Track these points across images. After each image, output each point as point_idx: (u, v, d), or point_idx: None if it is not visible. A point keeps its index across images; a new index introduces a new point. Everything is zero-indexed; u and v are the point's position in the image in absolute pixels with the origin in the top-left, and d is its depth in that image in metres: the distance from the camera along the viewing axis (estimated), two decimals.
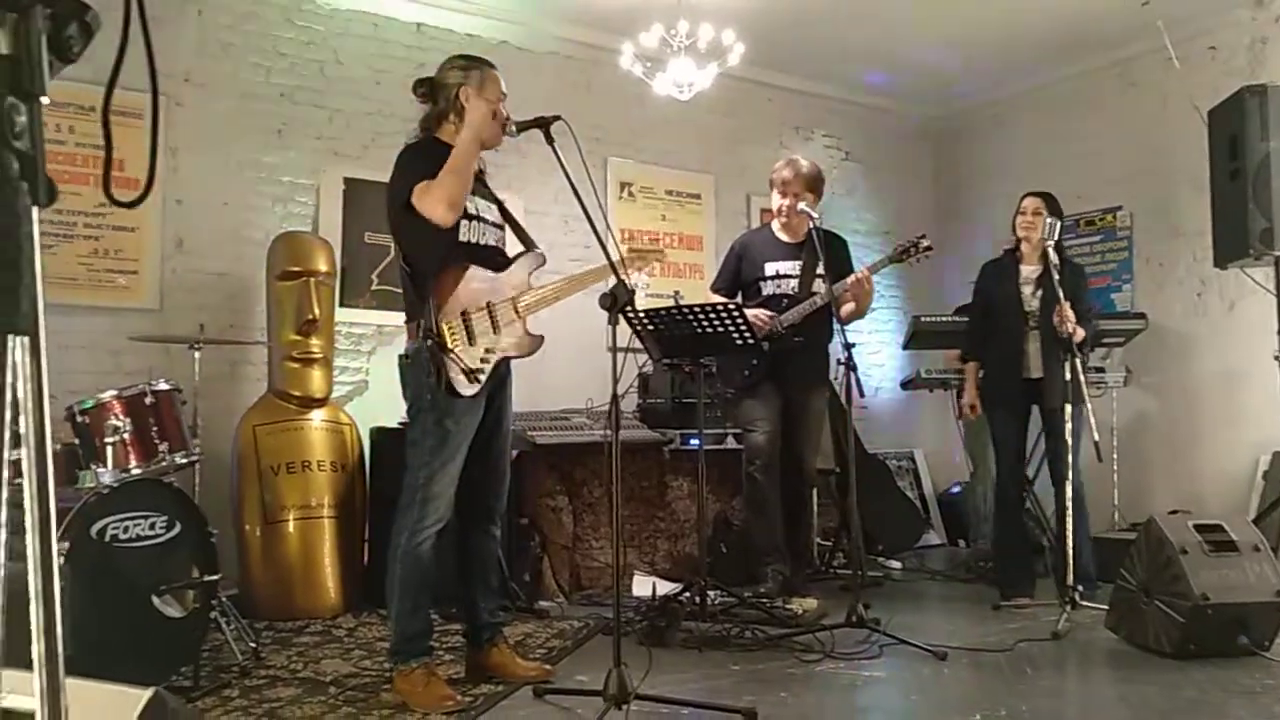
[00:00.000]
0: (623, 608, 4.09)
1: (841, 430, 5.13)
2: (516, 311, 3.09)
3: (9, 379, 0.68)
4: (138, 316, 4.49)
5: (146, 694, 1.25)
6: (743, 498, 4.61)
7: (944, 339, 5.56)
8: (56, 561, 0.75)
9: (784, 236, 4.50)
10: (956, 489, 6.47)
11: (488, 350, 2.99)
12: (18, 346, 0.71)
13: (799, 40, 5.98)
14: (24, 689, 1.33)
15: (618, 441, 2.68)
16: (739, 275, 4.51)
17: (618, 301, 2.70)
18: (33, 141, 0.73)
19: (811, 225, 4.22)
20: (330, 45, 5.15)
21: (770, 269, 4.44)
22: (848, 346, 3.83)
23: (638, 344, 3.98)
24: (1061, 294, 4.03)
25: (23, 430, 0.72)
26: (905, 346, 5.77)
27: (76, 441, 3.24)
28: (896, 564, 5.49)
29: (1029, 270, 4.45)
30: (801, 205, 4.31)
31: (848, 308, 4.27)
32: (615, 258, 2.81)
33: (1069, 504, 4.04)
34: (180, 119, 4.70)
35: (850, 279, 4.20)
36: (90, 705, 1.26)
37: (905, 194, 7.32)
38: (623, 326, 3.53)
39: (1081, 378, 3.95)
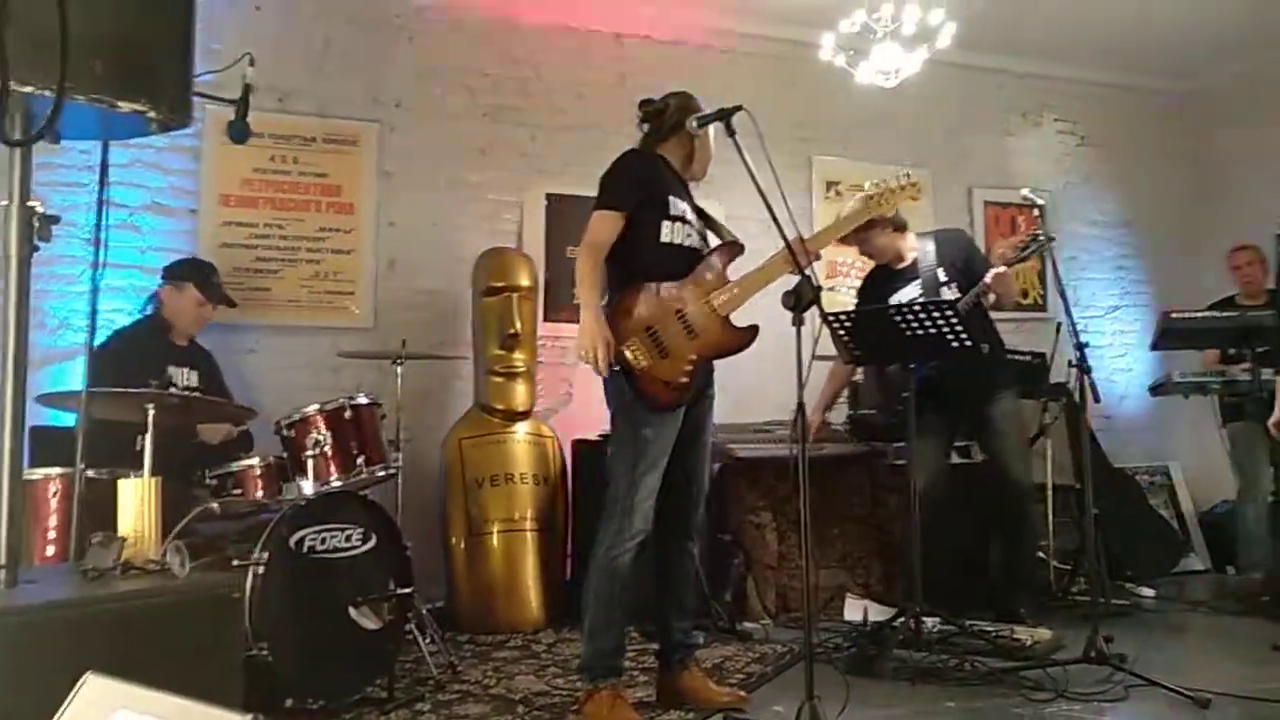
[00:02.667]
0: (832, 633, 3.88)
1: (1078, 441, 4.62)
2: (713, 310, 2.93)
3: None
4: (354, 335, 4.70)
5: None
6: None
7: (1200, 338, 4.89)
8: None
9: (895, 265, 4.16)
10: (1222, 507, 5.70)
11: (687, 359, 2.88)
12: None
13: (1020, 17, 5.50)
14: (137, 705, 1.29)
15: (805, 452, 2.46)
16: None
17: (802, 299, 2.48)
18: None
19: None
20: (533, 62, 5.22)
21: (894, 301, 4.09)
22: (1080, 347, 3.40)
23: None
24: None
25: None
26: (1154, 347, 5.12)
27: (285, 455, 3.38)
28: (1149, 592, 4.86)
29: None
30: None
31: (990, 300, 3.89)
32: (796, 247, 2.61)
33: None
34: (392, 144, 4.90)
35: (988, 279, 3.78)
36: None
37: (1152, 180, 6.57)
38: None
39: None
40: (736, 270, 3.05)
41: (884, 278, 4.22)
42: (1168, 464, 6.15)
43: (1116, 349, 6.32)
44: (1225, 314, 4.80)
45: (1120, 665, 3.17)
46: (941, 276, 4.00)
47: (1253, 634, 3.94)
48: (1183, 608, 4.64)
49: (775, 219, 2.60)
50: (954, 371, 3.86)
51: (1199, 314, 4.83)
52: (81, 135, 2.33)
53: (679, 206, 3.00)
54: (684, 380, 2.88)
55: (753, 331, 2.98)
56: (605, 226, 2.93)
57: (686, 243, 3.00)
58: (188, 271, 3.97)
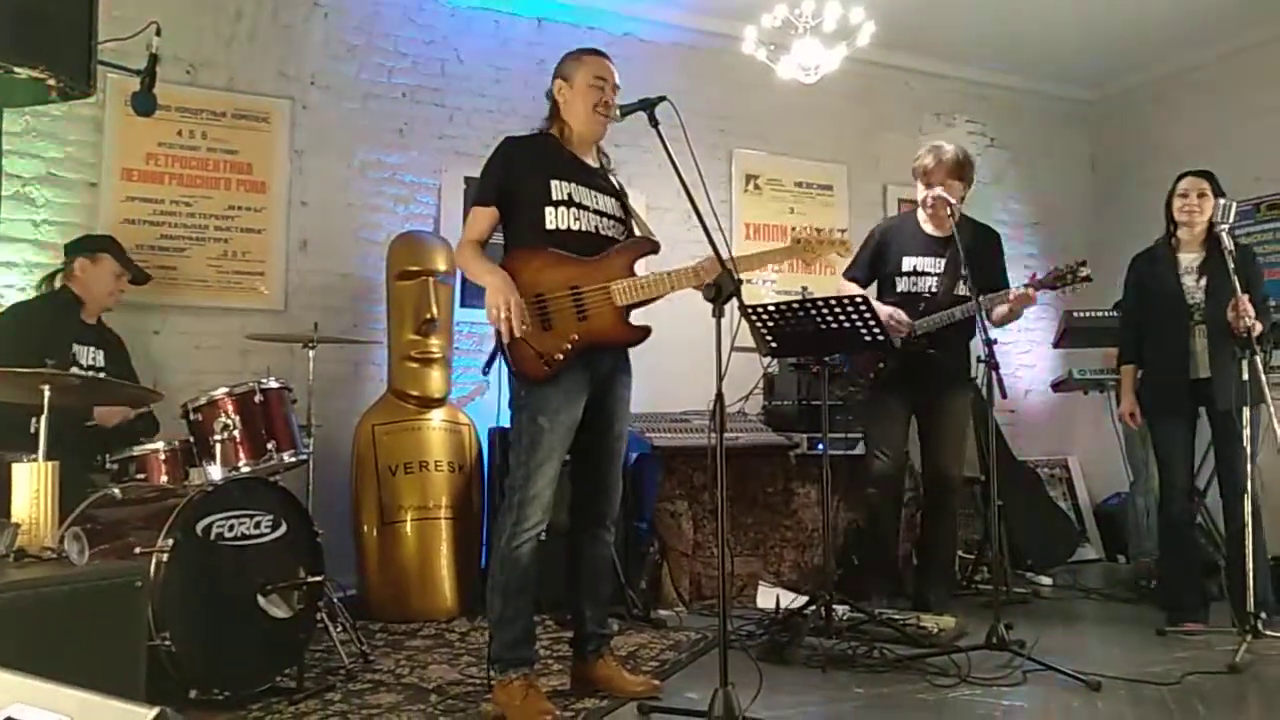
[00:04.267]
0: (745, 620, 3.93)
1: (983, 435, 4.76)
2: (609, 298, 2.86)
3: None
4: (264, 317, 4.56)
5: (151, 713, 1.13)
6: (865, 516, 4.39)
7: (1100, 336, 5.10)
8: None
9: (929, 228, 4.16)
10: (1115, 499, 5.95)
11: (568, 338, 2.81)
12: None
13: (936, 20, 5.63)
14: (35, 699, 1.23)
15: (722, 442, 2.48)
16: (876, 267, 4.21)
17: (723, 293, 2.50)
18: None
19: (952, 219, 3.91)
20: (451, 44, 5.13)
21: (908, 264, 4.12)
22: (989, 343, 3.50)
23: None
24: (1238, 283, 3.59)
25: None
26: (1056, 345, 5.32)
27: (191, 439, 3.27)
28: (1047, 580, 5.05)
29: (1189, 258, 4.01)
30: (937, 190, 3.98)
31: (1000, 312, 3.96)
32: (721, 246, 2.62)
33: (1248, 519, 3.60)
34: (305, 121, 4.77)
35: (1014, 294, 3.88)
36: None
37: (1058, 182, 6.80)
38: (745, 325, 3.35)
39: (1263, 377, 3.53)
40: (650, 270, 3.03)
41: (910, 233, 4.18)
42: (1067, 457, 6.38)
43: (1022, 345, 6.52)
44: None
45: (1019, 651, 3.30)
46: (963, 270, 3.98)
47: (1141, 619, 4.13)
48: (1077, 595, 4.85)
49: (699, 214, 2.59)
50: (921, 359, 3.92)
51: (1098, 313, 5.03)
52: None
53: (564, 189, 2.88)
54: (558, 358, 2.79)
55: (644, 331, 2.92)
56: (476, 222, 2.91)
57: (576, 226, 2.88)
58: (101, 243, 3.81)
